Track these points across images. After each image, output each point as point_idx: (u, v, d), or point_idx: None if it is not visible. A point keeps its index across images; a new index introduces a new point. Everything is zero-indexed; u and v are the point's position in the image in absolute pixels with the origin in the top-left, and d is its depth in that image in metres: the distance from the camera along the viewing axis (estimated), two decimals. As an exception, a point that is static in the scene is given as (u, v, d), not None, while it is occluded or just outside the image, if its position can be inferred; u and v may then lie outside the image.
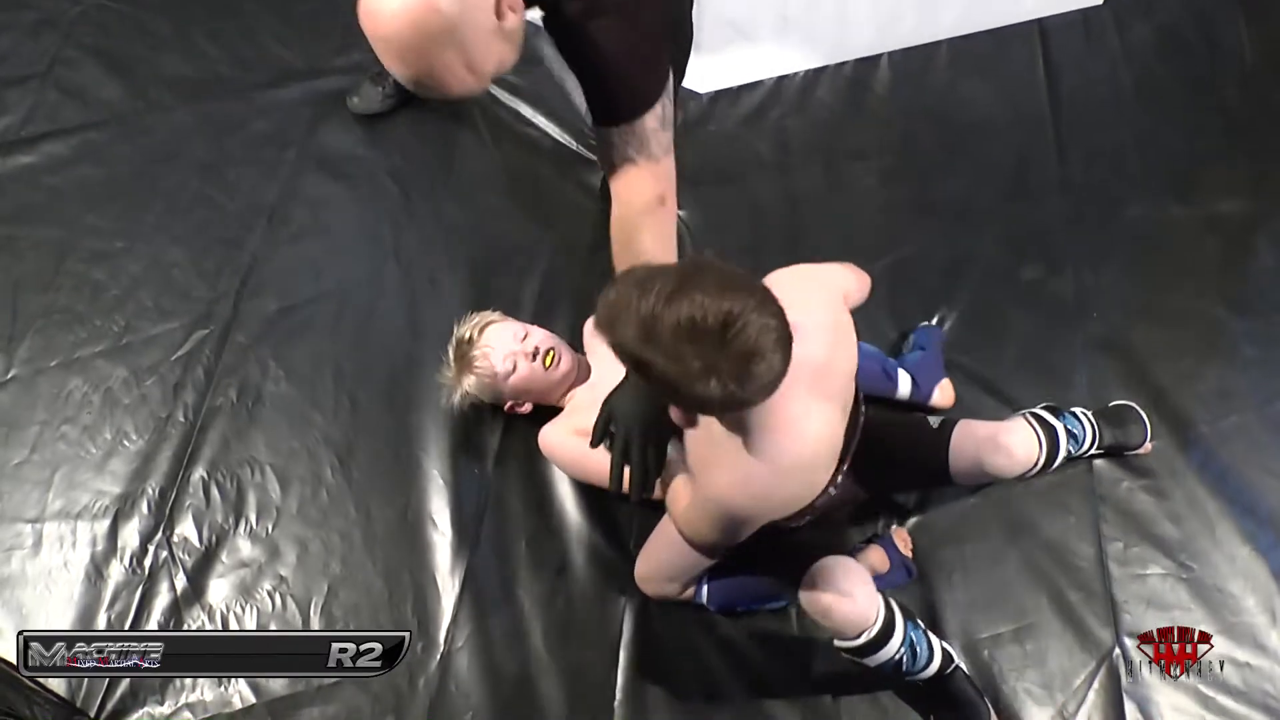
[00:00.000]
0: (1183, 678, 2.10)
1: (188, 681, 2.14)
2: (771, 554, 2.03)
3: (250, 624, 2.20)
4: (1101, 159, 2.71)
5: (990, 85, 2.81)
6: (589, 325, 2.18)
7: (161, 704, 2.13)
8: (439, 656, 2.15)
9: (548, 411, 2.29)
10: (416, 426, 2.40)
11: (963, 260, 2.56)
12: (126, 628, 2.19)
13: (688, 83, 2.92)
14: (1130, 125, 2.74)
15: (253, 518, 2.32)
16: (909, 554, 2.20)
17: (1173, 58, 2.84)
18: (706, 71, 2.74)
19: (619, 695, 2.12)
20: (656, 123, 1.61)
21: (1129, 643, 2.13)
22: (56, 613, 2.22)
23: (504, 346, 2.18)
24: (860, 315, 2.34)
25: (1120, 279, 2.53)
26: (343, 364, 2.51)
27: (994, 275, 2.55)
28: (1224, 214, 2.59)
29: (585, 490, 2.30)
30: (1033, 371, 2.41)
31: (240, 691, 2.13)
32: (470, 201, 2.75)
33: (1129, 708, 2.07)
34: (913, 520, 2.27)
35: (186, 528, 2.32)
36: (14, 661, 2.11)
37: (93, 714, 2.10)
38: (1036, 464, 2.06)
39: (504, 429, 2.39)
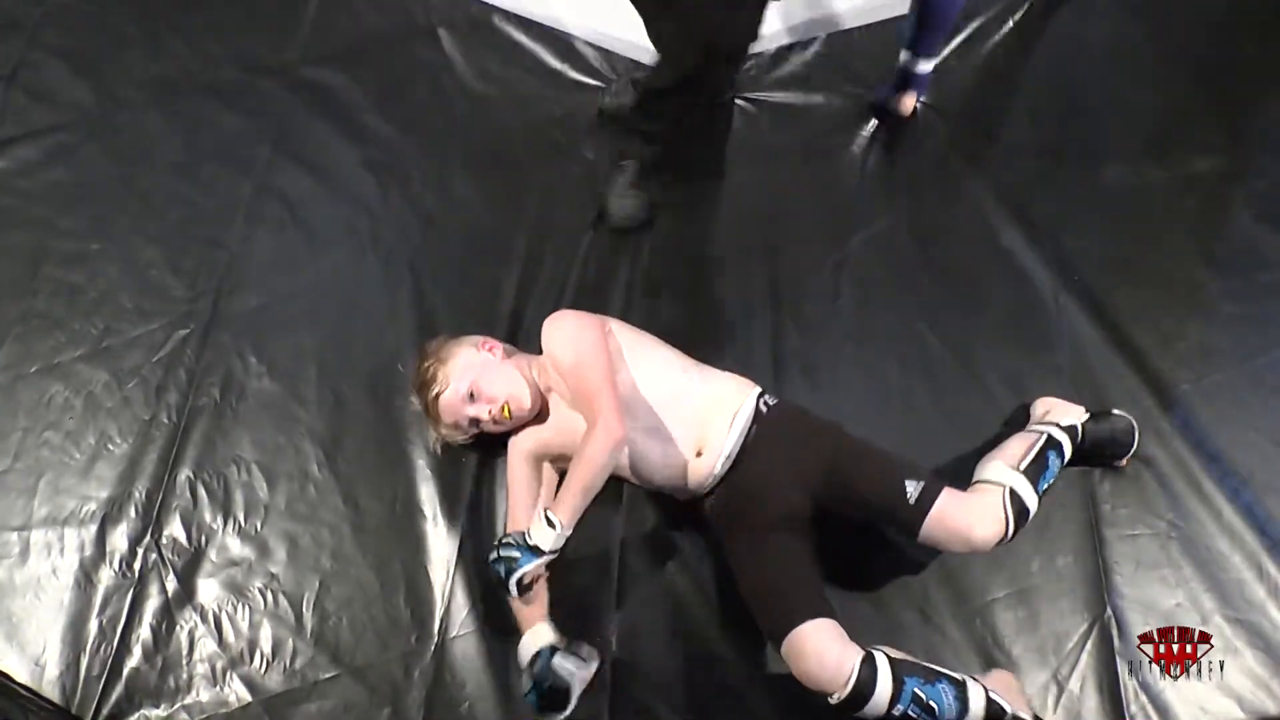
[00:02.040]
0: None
1: (183, 682, 2.13)
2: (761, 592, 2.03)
3: (243, 623, 2.18)
4: (1076, 120, 2.71)
5: (962, 52, 2.81)
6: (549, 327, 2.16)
7: (157, 706, 2.12)
8: (434, 647, 2.14)
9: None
10: (401, 417, 2.39)
11: (941, 229, 2.57)
12: (119, 632, 2.18)
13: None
14: (1103, 85, 2.74)
15: (241, 516, 2.31)
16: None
17: (1143, 14, 2.85)
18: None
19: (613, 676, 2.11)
20: None
21: (1120, 604, 2.14)
22: (47, 620, 2.20)
23: (453, 414, 2.16)
24: (844, 294, 2.37)
25: (1099, 241, 2.54)
26: (325, 357, 2.49)
27: (972, 242, 2.56)
28: (1200, 173, 2.59)
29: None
30: (1014, 339, 2.43)
31: (236, 691, 2.12)
32: (447, 190, 2.74)
33: (1122, 669, 2.08)
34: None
35: (175, 529, 2.30)
36: (7, 670, 2.12)
37: (88, 718, 2.09)
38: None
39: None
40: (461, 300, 2.57)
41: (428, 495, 2.30)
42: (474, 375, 2.14)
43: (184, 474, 2.36)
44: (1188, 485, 2.23)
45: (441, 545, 2.24)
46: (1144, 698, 2.07)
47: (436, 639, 2.15)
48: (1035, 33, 2.77)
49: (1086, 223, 2.56)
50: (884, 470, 2.02)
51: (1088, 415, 2.24)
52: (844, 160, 2.70)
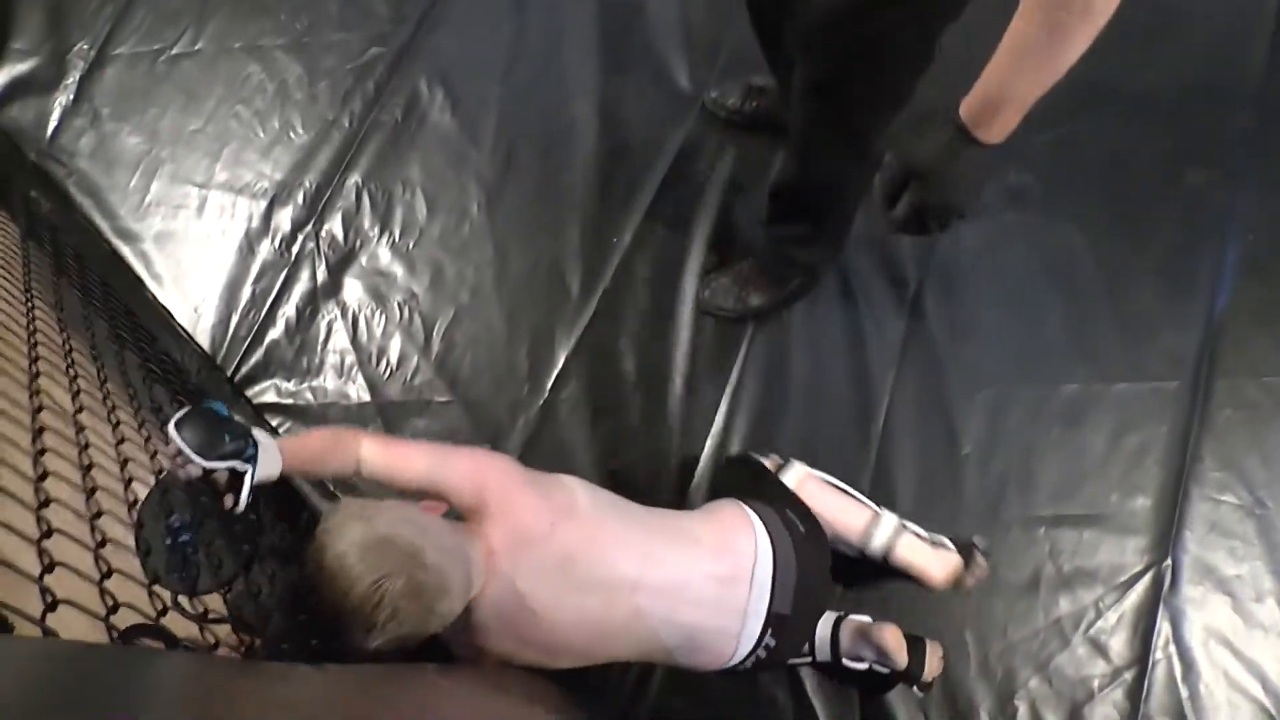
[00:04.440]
0: (1222, 605, 2.14)
1: (314, 366, 2.31)
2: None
3: (378, 329, 2.34)
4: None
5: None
6: None
7: (288, 380, 2.30)
8: (542, 403, 2.27)
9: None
10: (566, 186, 2.46)
11: (1128, 150, 2.48)
12: (268, 304, 2.36)
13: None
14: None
15: (396, 232, 2.44)
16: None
17: None
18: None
19: (696, 480, 2.21)
20: None
21: (1183, 558, 2.16)
22: (210, 275, 2.39)
23: None
24: (1014, 183, 2.33)
25: (1288, 205, 2.43)
26: (506, 110, 2.57)
27: (1156, 172, 2.46)
28: None
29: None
30: (1169, 279, 2.36)
31: (358, 388, 2.29)
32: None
33: (1161, 616, 2.12)
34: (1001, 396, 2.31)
35: (335, 226, 2.45)
36: (170, 308, 2.31)
37: (229, 373, 2.29)
38: None
39: (650, 207, 2.44)
40: (639, 94, 2.58)
41: (572, 267, 2.39)
42: None
43: (353, 179, 2.49)
44: (1293, 469, 2.21)
45: (572, 316, 2.34)
46: (1173, 649, 2.10)
47: (546, 396, 2.27)
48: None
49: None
50: None
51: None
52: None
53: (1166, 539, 2.19)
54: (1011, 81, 1.23)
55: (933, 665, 2.04)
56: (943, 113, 1.33)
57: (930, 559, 2.03)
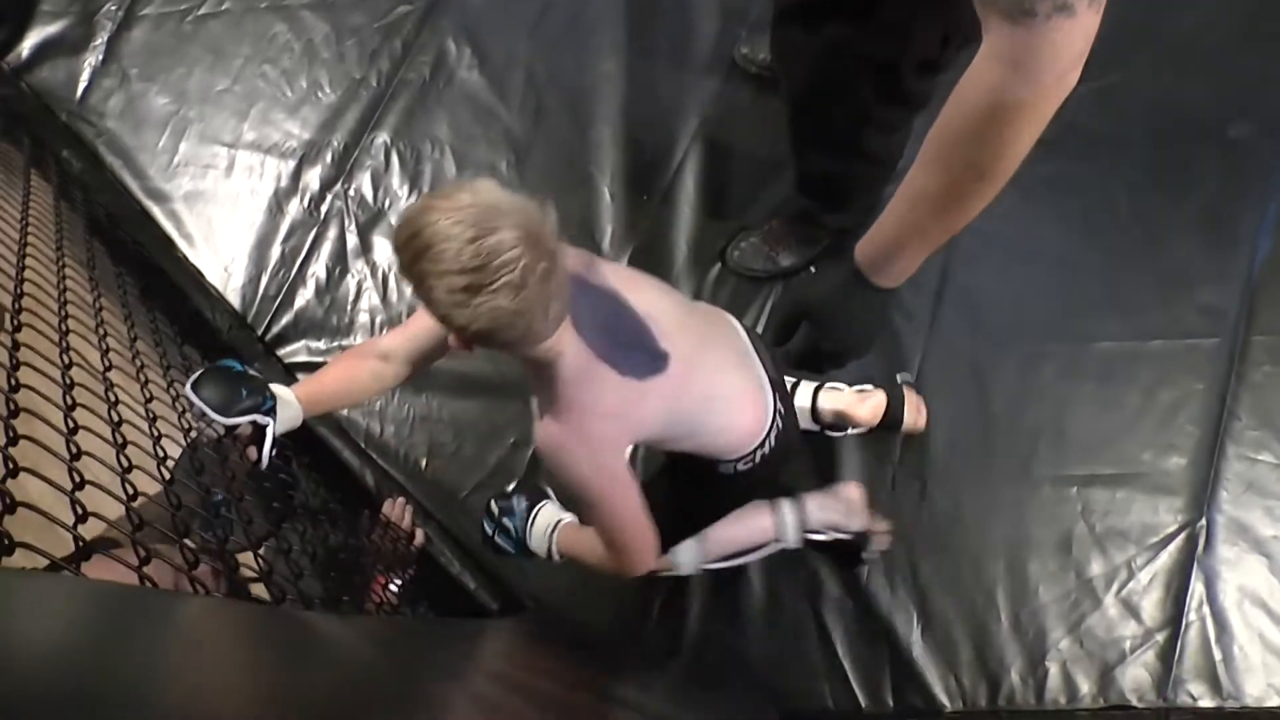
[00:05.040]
0: (1257, 565, 2.12)
1: (344, 325, 2.33)
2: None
3: (407, 289, 2.32)
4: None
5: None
6: None
7: (318, 340, 2.32)
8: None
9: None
10: (595, 142, 2.45)
11: (1170, 101, 2.42)
12: (298, 263, 2.37)
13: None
14: None
15: (425, 190, 2.43)
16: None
17: None
18: None
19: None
20: None
21: (1217, 518, 2.14)
22: (239, 234, 2.40)
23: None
24: (1052, 135, 2.30)
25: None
26: (535, 67, 2.54)
27: (1198, 124, 2.39)
28: None
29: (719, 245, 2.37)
30: (1208, 233, 2.32)
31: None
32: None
33: (1195, 577, 2.11)
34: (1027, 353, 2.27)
35: (363, 185, 2.45)
36: (200, 267, 2.32)
37: (259, 332, 2.30)
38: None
39: (679, 164, 2.42)
40: (668, 49, 2.55)
41: (602, 225, 2.38)
42: None
43: (381, 138, 2.49)
44: (1331, 427, 2.16)
45: (605, 272, 2.32)
46: (1206, 609, 2.10)
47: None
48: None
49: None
50: None
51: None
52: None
53: (1201, 498, 2.17)
54: (908, 232, 1.18)
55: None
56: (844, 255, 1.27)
57: (852, 400, 2.11)
